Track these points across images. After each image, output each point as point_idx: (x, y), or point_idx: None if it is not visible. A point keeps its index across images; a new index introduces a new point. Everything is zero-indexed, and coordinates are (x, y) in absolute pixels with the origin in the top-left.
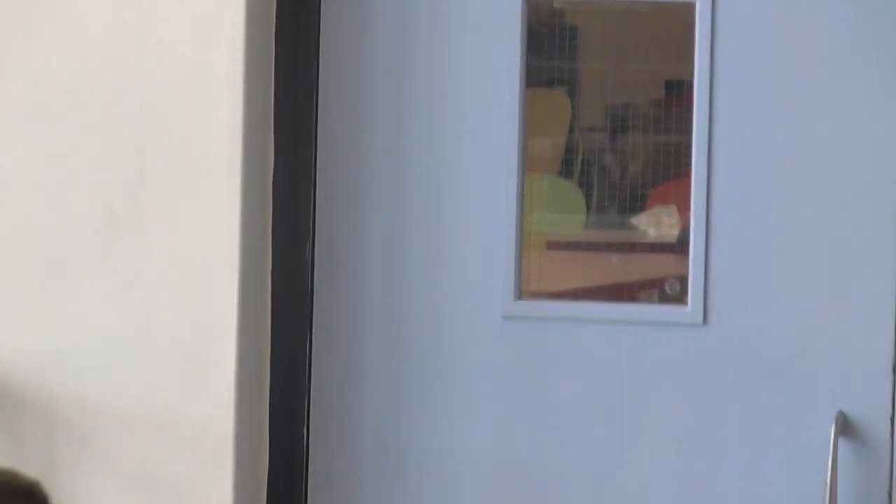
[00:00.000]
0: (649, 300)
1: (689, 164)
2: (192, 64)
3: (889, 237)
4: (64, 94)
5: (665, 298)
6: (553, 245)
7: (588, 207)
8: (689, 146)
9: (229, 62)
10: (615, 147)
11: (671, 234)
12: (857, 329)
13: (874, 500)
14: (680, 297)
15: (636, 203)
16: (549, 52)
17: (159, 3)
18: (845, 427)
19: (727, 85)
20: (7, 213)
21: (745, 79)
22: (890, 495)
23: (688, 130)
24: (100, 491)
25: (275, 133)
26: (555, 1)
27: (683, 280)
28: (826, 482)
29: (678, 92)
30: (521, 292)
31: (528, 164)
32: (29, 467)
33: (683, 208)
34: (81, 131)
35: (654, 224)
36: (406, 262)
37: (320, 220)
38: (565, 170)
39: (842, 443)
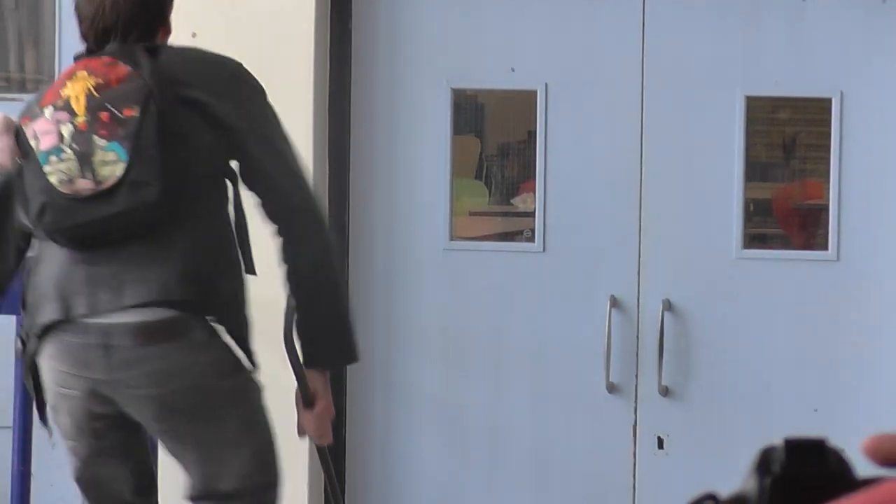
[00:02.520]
0: (519, 240)
1: (535, 174)
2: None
3: None
4: None
5: (527, 239)
6: (472, 213)
7: (489, 194)
8: (535, 164)
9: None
10: (501, 163)
11: (530, 207)
12: None
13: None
14: (532, 239)
15: (513, 192)
16: (467, 115)
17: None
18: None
19: (553, 138)
20: None
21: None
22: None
23: (535, 156)
24: None
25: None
26: (467, 91)
27: (534, 231)
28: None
29: (532, 137)
30: (453, 236)
31: (456, 171)
32: None
33: (533, 195)
34: None
35: (521, 203)
36: (395, 220)
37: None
38: (477, 174)
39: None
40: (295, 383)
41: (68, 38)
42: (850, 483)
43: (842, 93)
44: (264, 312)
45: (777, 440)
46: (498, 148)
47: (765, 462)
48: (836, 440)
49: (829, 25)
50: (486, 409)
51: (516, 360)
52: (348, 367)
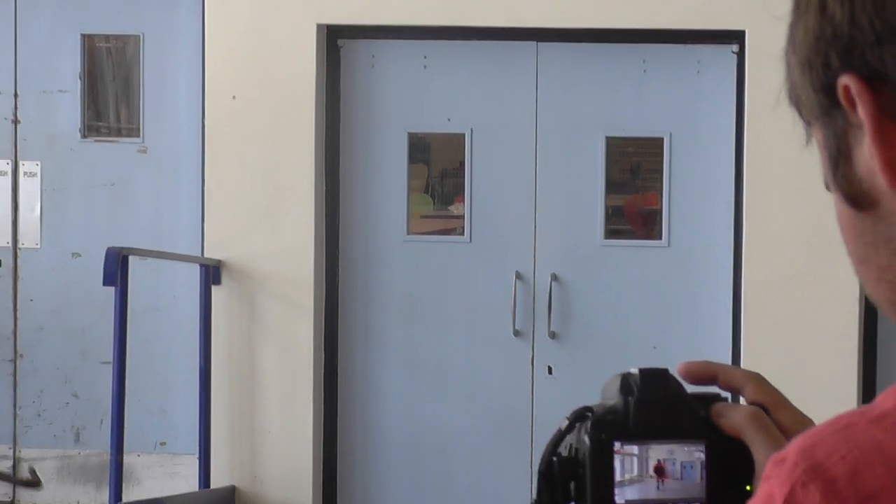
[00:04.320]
0: (454, 234)
1: (464, 190)
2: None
3: None
4: None
5: (459, 234)
6: (423, 216)
7: (433, 204)
8: (464, 183)
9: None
10: (442, 183)
11: (461, 212)
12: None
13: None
14: (463, 234)
15: (450, 202)
16: (418, 150)
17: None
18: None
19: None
20: None
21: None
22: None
23: (465, 178)
24: None
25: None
26: (418, 134)
27: (464, 228)
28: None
29: (462, 165)
30: (409, 232)
31: (411, 188)
32: None
33: (464, 204)
34: None
35: (455, 209)
36: (370, 221)
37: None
38: (426, 190)
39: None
40: None
41: (150, 102)
42: (685, 397)
43: (671, 133)
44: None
45: (632, 369)
46: (439, 172)
47: (626, 384)
48: (670, 369)
49: (662, 87)
50: (434, 350)
51: (454, 316)
52: (339, 326)
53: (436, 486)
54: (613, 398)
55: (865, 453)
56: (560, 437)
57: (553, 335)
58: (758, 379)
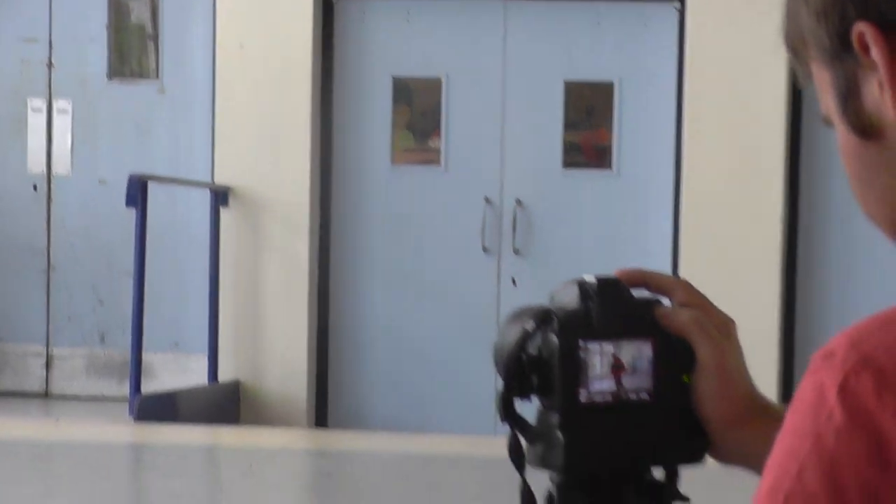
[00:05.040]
0: (431, 165)
1: (440, 127)
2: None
3: None
4: None
5: (436, 164)
6: (405, 150)
7: (414, 139)
8: (441, 121)
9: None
10: (422, 121)
11: (438, 146)
12: None
13: None
14: (440, 164)
15: (428, 137)
16: (402, 93)
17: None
18: None
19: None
20: None
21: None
22: None
23: (441, 117)
24: None
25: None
26: (402, 78)
27: (440, 159)
28: None
29: (439, 106)
30: (394, 162)
31: (395, 125)
32: None
33: (440, 139)
34: None
35: (433, 143)
36: (362, 153)
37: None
38: (408, 127)
39: None
40: None
41: (168, 49)
42: (635, 300)
43: (620, 79)
44: None
45: (586, 276)
46: (421, 112)
47: (584, 290)
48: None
49: (613, 39)
50: (413, 264)
51: (431, 234)
52: (331, 243)
53: (413, 380)
54: (572, 303)
55: None
56: (526, 336)
57: (517, 251)
58: (686, 285)
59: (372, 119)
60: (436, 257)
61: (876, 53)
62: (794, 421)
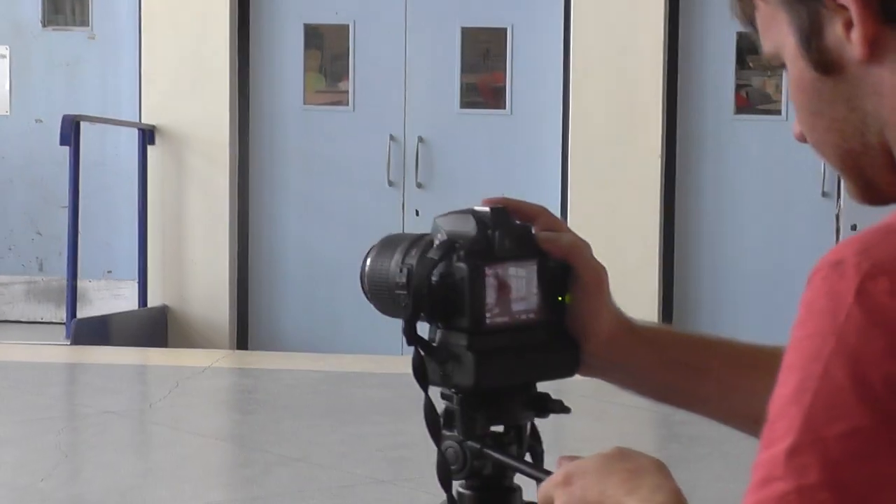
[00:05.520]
0: (340, 105)
1: (349, 70)
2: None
3: None
4: None
5: (345, 105)
6: (316, 91)
7: (325, 82)
8: (349, 65)
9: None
10: (333, 65)
11: (347, 88)
12: None
13: None
14: (348, 104)
15: (339, 80)
16: (314, 39)
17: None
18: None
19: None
20: None
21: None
22: None
23: (350, 61)
24: None
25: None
26: (313, 25)
27: (349, 100)
28: None
29: (347, 51)
30: (305, 102)
31: (307, 68)
32: None
33: (348, 81)
34: None
35: (342, 86)
36: (276, 94)
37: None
38: (319, 70)
39: None
40: None
41: None
42: (522, 227)
43: (512, 24)
44: None
45: (476, 207)
46: (331, 57)
47: (481, 219)
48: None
49: None
50: (325, 196)
51: (340, 169)
52: (249, 178)
53: (327, 303)
54: (470, 231)
55: None
56: (433, 264)
57: (419, 185)
58: (546, 211)
59: (285, 63)
60: (346, 190)
61: None
62: (810, 327)
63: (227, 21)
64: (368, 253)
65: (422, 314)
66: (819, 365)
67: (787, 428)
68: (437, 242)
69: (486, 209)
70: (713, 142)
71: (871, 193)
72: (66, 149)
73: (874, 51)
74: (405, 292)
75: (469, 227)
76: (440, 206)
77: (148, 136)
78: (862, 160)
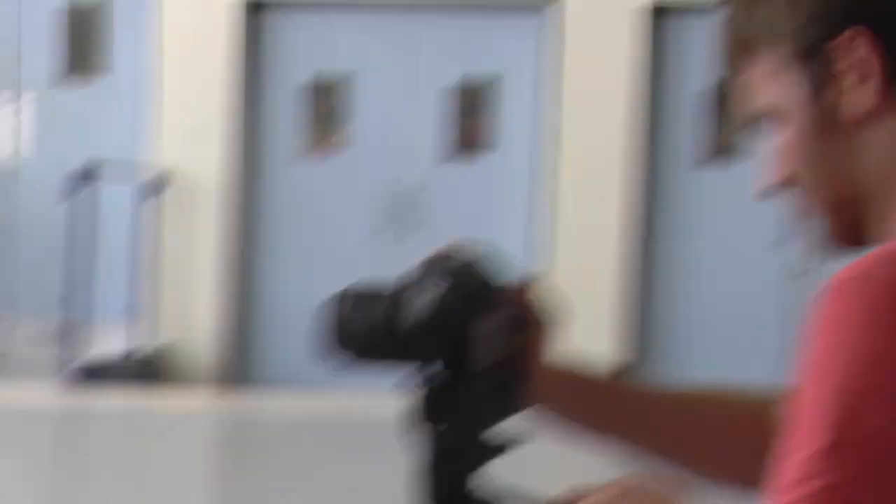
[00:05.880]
0: (336, 157)
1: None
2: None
3: None
4: None
5: (339, 155)
6: (315, 142)
7: (320, 137)
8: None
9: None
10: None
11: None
12: None
13: None
14: (342, 154)
15: (333, 132)
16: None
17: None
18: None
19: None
20: None
21: None
22: None
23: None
24: None
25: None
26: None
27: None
28: None
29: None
30: (303, 153)
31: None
32: None
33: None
34: None
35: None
36: (272, 156)
37: None
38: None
39: None
40: None
41: None
42: (494, 277)
43: (491, 81)
44: None
45: (453, 259)
46: (328, 110)
47: (469, 269)
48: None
49: (495, 39)
50: (321, 240)
51: (335, 213)
52: (246, 229)
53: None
54: (465, 282)
55: None
56: (446, 314)
57: (406, 231)
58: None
59: (286, 115)
60: (339, 235)
61: (869, 53)
62: (844, 335)
63: (232, 75)
64: (336, 305)
65: (430, 356)
66: (858, 366)
67: (823, 428)
68: (440, 287)
69: (468, 259)
70: (675, 190)
71: (853, 238)
72: (70, 195)
73: (876, 110)
74: (418, 335)
75: (461, 276)
76: (426, 251)
77: (150, 184)
78: (855, 207)
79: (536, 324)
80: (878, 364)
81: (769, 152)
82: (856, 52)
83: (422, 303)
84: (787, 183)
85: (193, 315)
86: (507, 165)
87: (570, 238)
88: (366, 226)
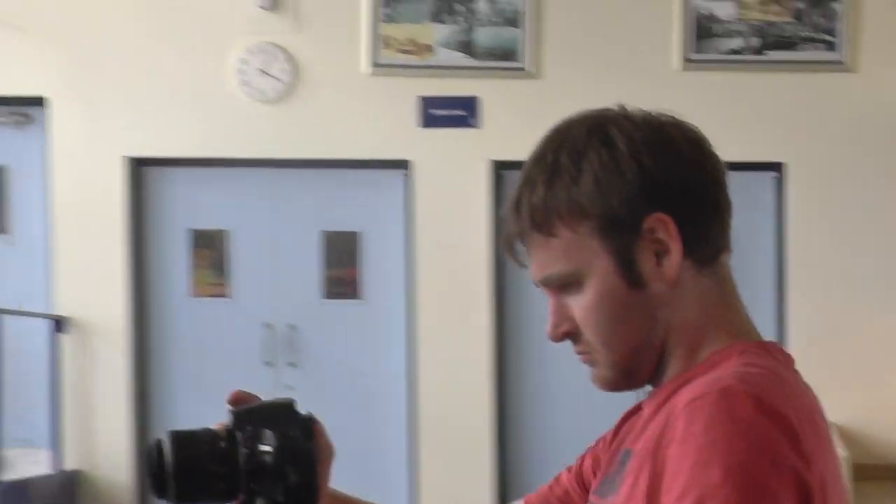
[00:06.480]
0: (225, 298)
1: (229, 268)
2: None
3: None
4: None
5: (227, 297)
6: (203, 284)
7: (210, 278)
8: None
9: None
10: (219, 262)
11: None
12: None
13: None
14: (229, 295)
15: (220, 273)
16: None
17: None
18: None
19: None
20: None
21: None
22: None
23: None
24: None
25: None
26: (200, 229)
27: (229, 290)
28: None
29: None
30: (192, 294)
31: (196, 266)
32: None
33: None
34: None
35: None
36: (166, 297)
37: None
38: (211, 267)
39: None
40: None
41: None
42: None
43: (363, 230)
44: None
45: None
46: (213, 256)
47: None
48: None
49: (356, 195)
50: (211, 373)
51: (224, 349)
52: (146, 362)
53: None
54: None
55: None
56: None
57: (291, 364)
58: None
59: (175, 261)
60: (227, 370)
61: (667, 237)
62: (714, 434)
63: (123, 226)
64: (154, 450)
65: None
66: (738, 457)
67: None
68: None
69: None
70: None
71: (627, 382)
72: None
73: (674, 280)
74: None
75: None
76: (309, 383)
77: (58, 324)
78: (641, 354)
79: (330, 454)
80: (758, 456)
81: (554, 308)
82: (658, 233)
83: (261, 446)
84: (572, 335)
85: (98, 442)
86: (379, 306)
87: (441, 370)
88: (252, 361)
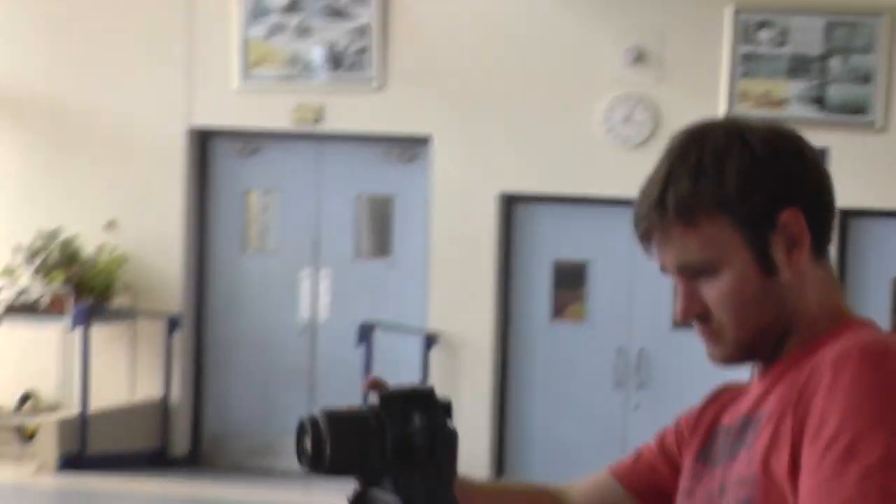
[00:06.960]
0: (581, 322)
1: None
2: None
3: None
4: None
5: (583, 321)
6: (563, 313)
7: (567, 306)
8: None
9: None
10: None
11: None
12: None
13: None
14: (585, 320)
15: (576, 300)
16: None
17: None
18: None
19: None
20: None
21: None
22: None
23: None
24: None
25: None
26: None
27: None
28: None
29: None
30: (552, 318)
31: None
32: None
33: None
34: None
35: None
36: (529, 321)
37: None
38: None
39: None
40: None
41: None
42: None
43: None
44: None
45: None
46: (571, 283)
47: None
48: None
49: None
50: (570, 392)
51: (580, 372)
52: (506, 376)
53: None
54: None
55: None
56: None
57: (639, 385)
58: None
59: (538, 289)
60: (578, 393)
61: (799, 230)
62: (869, 392)
63: (493, 255)
64: (308, 423)
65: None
66: (888, 404)
67: (875, 444)
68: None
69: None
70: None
71: (745, 358)
72: (362, 348)
73: (803, 270)
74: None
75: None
76: (655, 403)
77: (429, 340)
78: (766, 334)
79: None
80: None
81: (686, 292)
82: (791, 227)
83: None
84: (701, 316)
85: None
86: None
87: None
88: (605, 379)
